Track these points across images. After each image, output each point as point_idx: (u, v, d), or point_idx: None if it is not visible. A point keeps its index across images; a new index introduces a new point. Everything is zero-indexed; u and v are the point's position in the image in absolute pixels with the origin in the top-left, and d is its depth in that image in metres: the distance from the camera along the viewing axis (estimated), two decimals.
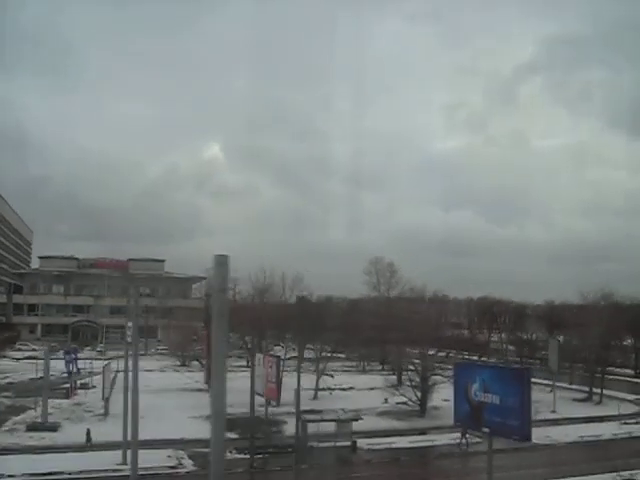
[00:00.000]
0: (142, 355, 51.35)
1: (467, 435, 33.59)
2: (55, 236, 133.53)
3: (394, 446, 35.97)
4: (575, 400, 53.16)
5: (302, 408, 33.23)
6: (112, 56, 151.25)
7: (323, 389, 52.34)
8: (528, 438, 23.29)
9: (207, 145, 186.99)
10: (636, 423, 43.38)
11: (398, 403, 47.24)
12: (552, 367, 52.68)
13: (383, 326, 61.99)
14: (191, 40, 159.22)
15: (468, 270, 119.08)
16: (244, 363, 58.57)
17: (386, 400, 48.45)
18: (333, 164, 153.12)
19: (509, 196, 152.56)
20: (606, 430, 40.95)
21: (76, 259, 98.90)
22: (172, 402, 46.58)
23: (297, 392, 32.31)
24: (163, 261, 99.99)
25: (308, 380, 52.03)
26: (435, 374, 47.03)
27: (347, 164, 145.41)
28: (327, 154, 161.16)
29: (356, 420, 35.69)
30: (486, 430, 24.83)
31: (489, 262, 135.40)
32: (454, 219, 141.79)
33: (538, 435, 39.55)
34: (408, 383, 48.13)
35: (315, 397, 50.42)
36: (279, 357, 38.42)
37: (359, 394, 53.63)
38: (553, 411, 47.42)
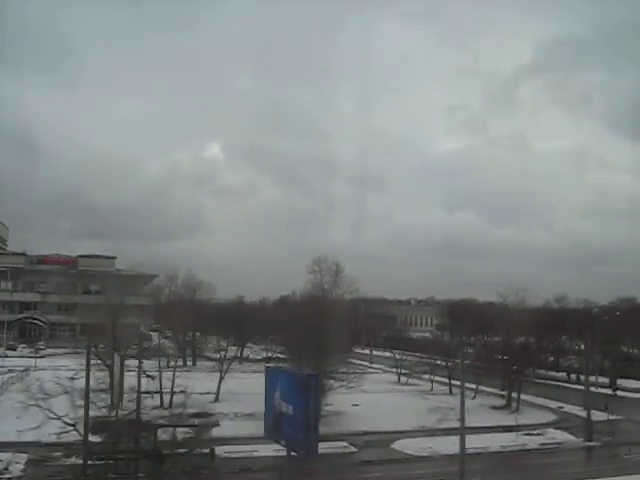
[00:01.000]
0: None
1: None
2: (56, 234, 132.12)
3: (256, 454, 33.51)
4: (493, 407, 50.64)
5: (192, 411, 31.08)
6: (113, 54, 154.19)
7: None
8: (312, 453, 20.90)
9: (209, 144, 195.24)
10: (537, 434, 40.77)
11: None
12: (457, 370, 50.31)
13: (306, 327, 59.59)
14: (194, 39, 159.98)
15: (469, 272, 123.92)
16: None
17: None
18: (334, 164, 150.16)
19: (511, 198, 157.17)
20: (500, 441, 38.46)
21: (25, 255, 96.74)
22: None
23: (138, 394, 30.23)
24: (114, 258, 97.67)
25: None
26: (331, 377, 44.64)
27: (348, 164, 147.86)
28: (328, 154, 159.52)
29: (214, 426, 33.29)
30: (283, 443, 22.55)
31: (490, 264, 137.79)
32: (456, 220, 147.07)
33: (422, 446, 37.58)
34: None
35: (217, 399, 48.15)
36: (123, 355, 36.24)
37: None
38: (458, 419, 44.86)
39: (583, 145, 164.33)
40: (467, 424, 43.63)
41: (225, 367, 50.60)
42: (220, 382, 49.69)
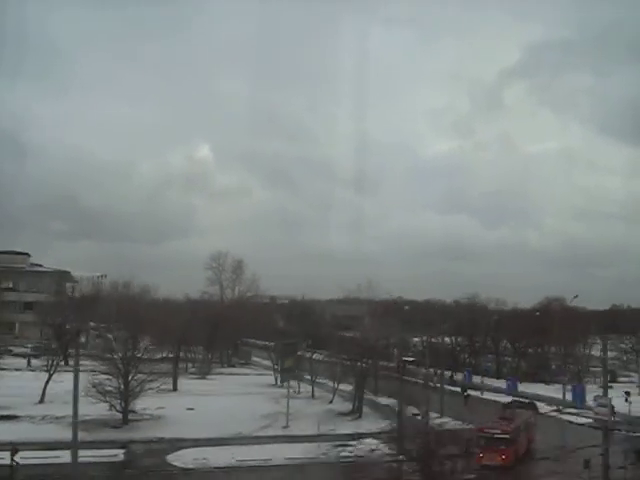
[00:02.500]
0: None
1: None
2: (50, 234, 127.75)
3: (59, 461, 29.16)
4: (340, 414, 46.41)
5: None
6: (104, 58, 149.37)
7: None
8: None
9: (200, 146, 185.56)
10: (349, 445, 36.43)
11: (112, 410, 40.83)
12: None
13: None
14: (185, 42, 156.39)
15: (462, 273, 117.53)
16: None
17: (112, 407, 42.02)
18: (325, 167, 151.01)
19: (503, 200, 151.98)
20: (294, 453, 34.16)
21: None
22: None
23: None
24: (26, 254, 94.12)
25: None
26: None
27: (339, 167, 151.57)
28: (319, 157, 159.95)
29: None
30: None
31: (483, 265, 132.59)
32: (448, 223, 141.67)
33: (199, 456, 33.40)
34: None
35: (41, 401, 44.76)
36: None
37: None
38: (285, 426, 40.92)
39: (572, 147, 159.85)
40: (291, 432, 40.36)
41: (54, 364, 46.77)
42: (47, 382, 45.76)
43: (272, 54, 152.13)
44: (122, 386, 39.27)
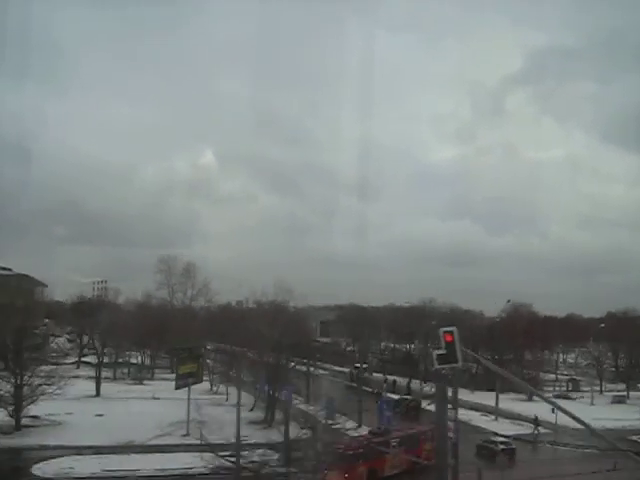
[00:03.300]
0: None
1: None
2: (52, 239, 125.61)
3: None
4: (252, 422, 44.46)
5: None
6: (106, 60, 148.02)
7: None
8: None
9: (204, 151, 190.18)
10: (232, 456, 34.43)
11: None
12: None
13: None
14: (188, 45, 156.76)
15: (464, 280, 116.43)
16: None
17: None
18: (329, 172, 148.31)
19: (506, 207, 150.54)
20: (175, 463, 32.59)
21: None
22: None
23: None
24: None
25: None
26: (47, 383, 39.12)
27: (343, 172, 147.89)
28: (322, 162, 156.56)
29: None
30: None
31: (486, 272, 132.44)
32: (452, 229, 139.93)
33: (66, 466, 31.79)
34: None
35: None
36: None
37: None
38: (185, 435, 39.20)
39: (575, 155, 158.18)
40: (188, 441, 38.51)
41: None
42: None
43: (274, 57, 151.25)
44: (13, 390, 37.73)
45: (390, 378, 67.18)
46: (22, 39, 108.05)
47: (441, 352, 21.65)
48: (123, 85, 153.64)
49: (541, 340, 77.85)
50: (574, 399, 65.00)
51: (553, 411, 46.25)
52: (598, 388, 69.98)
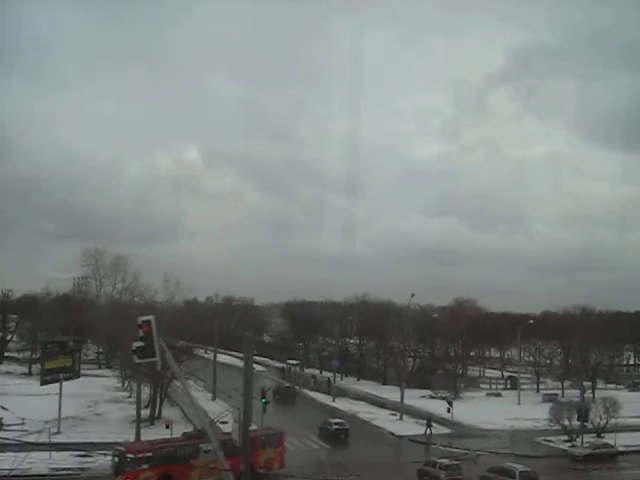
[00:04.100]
0: None
1: None
2: (39, 235, 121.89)
3: None
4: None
5: None
6: (91, 57, 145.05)
7: None
8: None
9: (190, 148, 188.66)
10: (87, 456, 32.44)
11: None
12: None
13: None
14: (174, 42, 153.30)
15: (450, 277, 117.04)
16: None
17: None
18: (314, 170, 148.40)
19: (492, 205, 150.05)
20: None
21: None
22: None
23: None
24: None
25: None
26: None
27: (329, 170, 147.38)
28: (308, 159, 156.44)
29: None
30: None
31: (472, 270, 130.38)
32: (438, 226, 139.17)
33: None
34: None
35: None
36: None
37: None
38: (57, 433, 37.27)
39: (558, 153, 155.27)
40: (56, 440, 36.63)
41: None
42: None
43: (261, 56, 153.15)
44: None
45: (309, 372, 66.32)
46: (7, 36, 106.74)
47: (139, 344, 19.86)
48: (110, 82, 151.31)
49: (486, 337, 76.23)
50: (503, 397, 63.55)
51: (449, 410, 45.00)
52: (535, 386, 68.64)
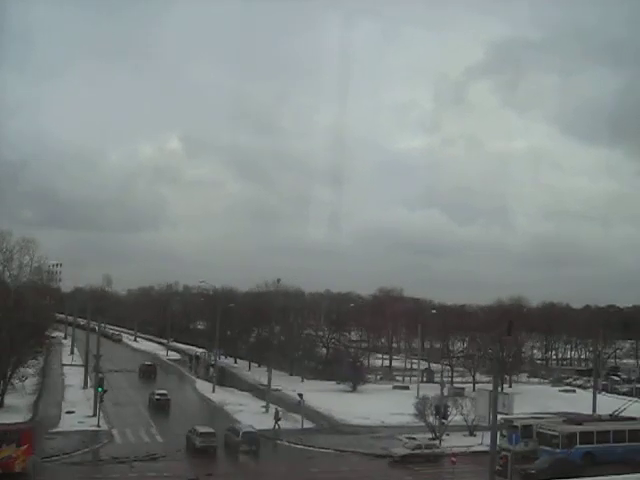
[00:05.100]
0: None
1: None
2: (18, 222, 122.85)
3: None
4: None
5: None
6: (74, 48, 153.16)
7: None
8: None
9: (172, 137, 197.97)
10: None
11: None
12: None
13: None
14: (157, 32, 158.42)
15: (431, 269, 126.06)
16: None
17: None
18: (296, 160, 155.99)
19: (472, 197, 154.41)
20: None
21: None
22: None
23: None
24: None
25: None
26: None
27: (311, 161, 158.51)
28: (290, 150, 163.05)
29: None
30: None
31: (453, 261, 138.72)
32: (420, 218, 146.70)
33: None
34: None
35: None
36: None
37: None
38: None
39: (538, 147, 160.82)
40: None
41: None
42: None
43: (246, 47, 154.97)
44: None
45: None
46: None
47: None
48: (93, 71, 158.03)
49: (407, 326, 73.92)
50: (410, 390, 60.78)
51: (299, 403, 42.61)
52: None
